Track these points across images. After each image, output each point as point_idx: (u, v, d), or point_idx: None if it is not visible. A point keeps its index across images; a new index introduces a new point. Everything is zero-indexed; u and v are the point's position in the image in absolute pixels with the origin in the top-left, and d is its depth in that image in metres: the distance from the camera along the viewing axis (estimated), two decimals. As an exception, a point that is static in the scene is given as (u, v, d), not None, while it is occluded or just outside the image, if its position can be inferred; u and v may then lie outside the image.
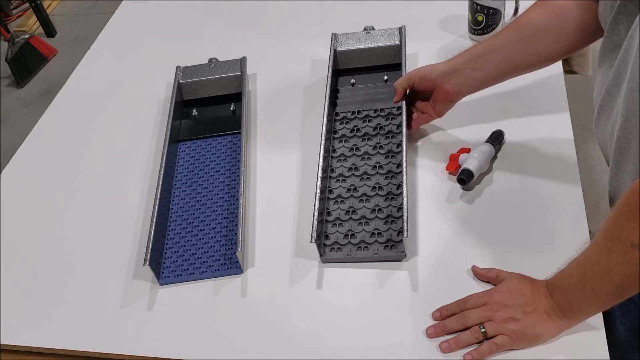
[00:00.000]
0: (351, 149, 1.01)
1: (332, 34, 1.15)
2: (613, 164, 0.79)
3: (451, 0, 1.30)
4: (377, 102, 1.08)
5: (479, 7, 1.15)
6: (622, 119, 0.73)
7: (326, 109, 1.02)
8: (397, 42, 1.11)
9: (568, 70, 1.43)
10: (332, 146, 1.02)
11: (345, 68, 1.14)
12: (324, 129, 0.98)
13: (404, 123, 0.97)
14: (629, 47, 0.71)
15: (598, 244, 0.68)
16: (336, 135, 1.04)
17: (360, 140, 1.02)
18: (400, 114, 1.02)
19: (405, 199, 0.86)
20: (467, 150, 0.96)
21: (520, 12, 1.19)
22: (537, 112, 1.04)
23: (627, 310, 0.85)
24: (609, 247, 0.66)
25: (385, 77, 1.12)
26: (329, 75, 1.08)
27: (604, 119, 0.81)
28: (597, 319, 0.75)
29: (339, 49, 1.12)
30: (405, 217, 0.84)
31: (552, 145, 0.98)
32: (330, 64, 1.10)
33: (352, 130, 1.04)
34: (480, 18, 1.16)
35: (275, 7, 1.40)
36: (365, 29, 1.15)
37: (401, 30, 1.12)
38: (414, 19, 1.28)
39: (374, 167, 0.98)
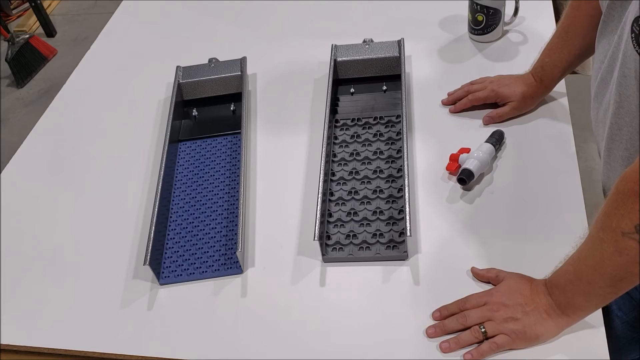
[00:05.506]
0: (351, 154, 1.02)
1: (332, 44, 1.15)
2: (605, 151, 0.79)
3: (451, 0, 1.30)
4: (376, 110, 1.09)
5: (479, 7, 1.15)
6: (615, 105, 0.74)
7: (327, 115, 1.02)
8: (396, 53, 1.12)
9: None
10: (333, 151, 1.03)
11: (345, 78, 1.15)
12: (324, 134, 0.99)
13: (404, 130, 0.97)
14: (622, 33, 0.71)
15: (591, 236, 0.68)
16: (336, 141, 1.04)
17: (360, 145, 1.03)
18: (400, 121, 1.02)
19: (407, 201, 0.86)
20: (467, 150, 0.96)
21: (520, 12, 1.19)
22: (537, 112, 1.04)
23: (622, 304, 0.85)
24: (601, 237, 0.66)
25: (384, 87, 1.12)
26: (329, 84, 1.08)
27: (596, 106, 0.81)
28: (597, 318, 0.75)
29: (338, 59, 1.13)
30: (407, 218, 0.84)
31: (552, 145, 0.98)
32: (330, 73, 1.10)
33: (352, 137, 1.04)
34: (480, 18, 1.16)
35: (275, 7, 1.41)
36: (364, 41, 1.15)
37: (400, 43, 1.13)
38: (414, 19, 1.29)
39: (375, 171, 0.98)
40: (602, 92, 0.79)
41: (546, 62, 1.00)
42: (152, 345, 0.82)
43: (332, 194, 0.96)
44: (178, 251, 0.93)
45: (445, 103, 1.08)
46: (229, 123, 1.12)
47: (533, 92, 1.02)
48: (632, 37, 0.67)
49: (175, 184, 1.03)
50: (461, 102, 1.06)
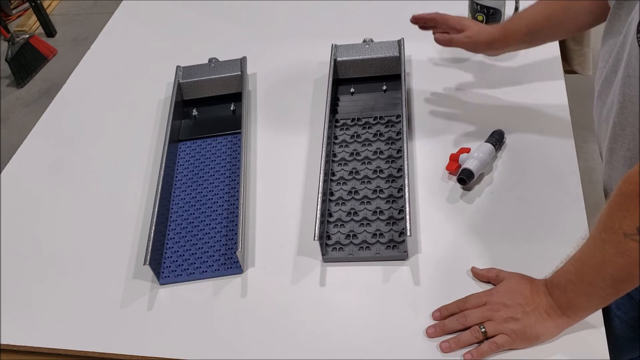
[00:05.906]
0: (351, 153, 1.02)
1: (332, 44, 1.15)
2: (607, 151, 0.79)
3: (451, 0, 1.30)
4: (376, 110, 1.09)
5: (479, 7, 1.15)
6: (618, 104, 0.74)
7: (327, 115, 1.02)
8: (396, 53, 1.12)
9: (568, 70, 1.43)
10: (333, 151, 1.03)
11: (345, 77, 1.15)
12: (324, 134, 0.99)
13: (404, 129, 0.97)
14: (628, 33, 0.71)
15: (593, 237, 0.69)
16: (337, 141, 1.04)
17: (360, 145, 1.03)
18: (400, 121, 1.02)
19: (407, 201, 0.86)
20: (467, 150, 0.96)
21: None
22: (537, 112, 1.04)
23: (621, 303, 0.85)
24: (602, 238, 0.66)
25: (384, 87, 1.12)
26: (329, 84, 1.08)
27: (599, 105, 0.81)
28: (597, 318, 0.75)
29: (339, 58, 1.13)
30: (407, 218, 0.84)
31: (552, 145, 0.98)
32: (330, 73, 1.10)
33: (352, 136, 1.04)
34: (480, 18, 1.16)
35: (275, 7, 1.41)
36: (364, 41, 1.15)
37: (400, 43, 1.13)
38: (414, 18, 1.29)
39: (375, 171, 0.98)
40: (605, 92, 0.79)
41: (517, 14, 1.01)
42: (152, 345, 0.82)
43: (332, 194, 0.96)
44: (178, 251, 0.93)
45: (412, 20, 1.08)
46: (229, 123, 1.12)
47: (491, 32, 1.01)
48: (637, 38, 0.67)
49: (175, 184, 1.03)
50: (425, 14, 1.06)
